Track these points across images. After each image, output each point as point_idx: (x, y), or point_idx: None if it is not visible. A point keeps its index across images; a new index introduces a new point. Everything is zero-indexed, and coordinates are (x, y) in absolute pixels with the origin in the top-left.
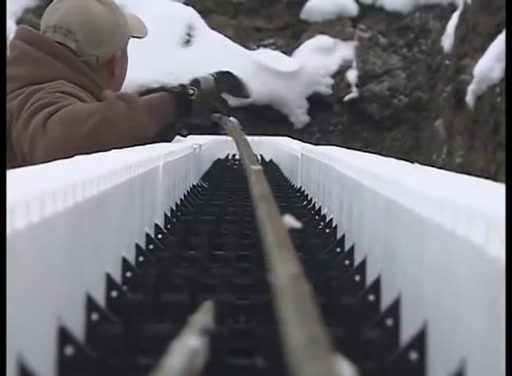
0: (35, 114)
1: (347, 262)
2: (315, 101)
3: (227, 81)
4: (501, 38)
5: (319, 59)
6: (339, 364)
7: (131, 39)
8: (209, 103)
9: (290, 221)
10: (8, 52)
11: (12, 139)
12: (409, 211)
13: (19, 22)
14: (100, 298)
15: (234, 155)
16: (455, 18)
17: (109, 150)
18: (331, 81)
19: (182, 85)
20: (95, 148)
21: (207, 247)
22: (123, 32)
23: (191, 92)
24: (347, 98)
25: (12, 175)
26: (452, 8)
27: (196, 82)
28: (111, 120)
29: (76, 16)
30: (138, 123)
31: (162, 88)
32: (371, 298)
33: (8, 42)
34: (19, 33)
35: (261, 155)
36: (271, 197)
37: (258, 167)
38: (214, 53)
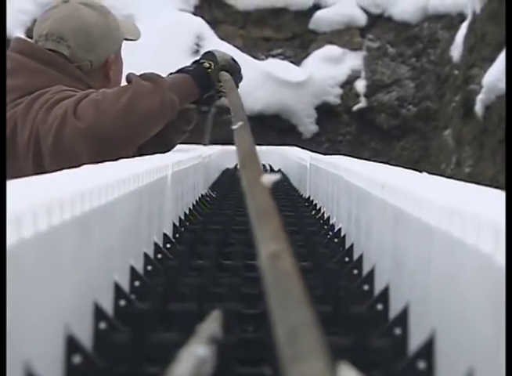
0: (53, 107)
1: (355, 272)
2: (324, 111)
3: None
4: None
5: (328, 69)
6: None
7: (139, 46)
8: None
9: (269, 179)
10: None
11: (17, 147)
12: (417, 219)
13: (28, 32)
14: (108, 306)
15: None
16: (463, 28)
17: (141, 132)
18: (340, 90)
19: (196, 62)
20: (128, 129)
21: (215, 256)
22: (115, 35)
23: (207, 65)
24: (355, 108)
25: (20, 184)
26: (461, 18)
27: (212, 56)
28: (139, 98)
29: (66, 22)
30: (165, 98)
31: (179, 70)
32: (379, 307)
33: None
34: (14, 44)
35: (269, 165)
36: (253, 161)
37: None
38: None
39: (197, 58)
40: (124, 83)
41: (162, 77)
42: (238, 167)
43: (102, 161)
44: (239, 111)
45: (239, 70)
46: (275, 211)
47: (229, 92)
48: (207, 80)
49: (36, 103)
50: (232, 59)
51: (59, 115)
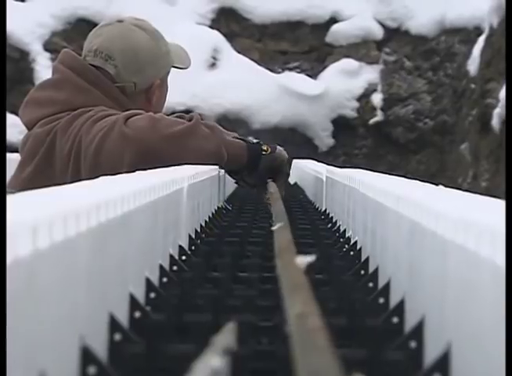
0: (98, 121)
1: (371, 285)
2: (340, 124)
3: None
4: None
5: (344, 82)
6: None
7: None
8: (272, 169)
9: (303, 261)
10: (52, 74)
11: (55, 159)
12: (433, 232)
13: (46, 45)
14: (123, 318)
15: None
16: (481, 42)
17: (180, 163)
18: (356, 104)
19: (258, 142)
20: (170, 155)
21: (230, 268)
22: (164, 61)
23: (265, 148)
24: (372, 121)
25: (36, 195)
26: (478, 31)
27: (272, 147)
28: (193, 136)
29: (117, 42)
30: (215, 148)
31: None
32: (395, 320)
33: (52, 65)
34: (64, 57)
35: None
36: (289, 249)
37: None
38: (240, 76)
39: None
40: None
41: (221, 129)
42: (275, 254)
43: None
44: (280, 216)
45: (288, 174)
46: (307, 285)
47: (274, 203)
48: (257, 157)
49: (80, 118)
50: (288, 161)
51: (104, 126)
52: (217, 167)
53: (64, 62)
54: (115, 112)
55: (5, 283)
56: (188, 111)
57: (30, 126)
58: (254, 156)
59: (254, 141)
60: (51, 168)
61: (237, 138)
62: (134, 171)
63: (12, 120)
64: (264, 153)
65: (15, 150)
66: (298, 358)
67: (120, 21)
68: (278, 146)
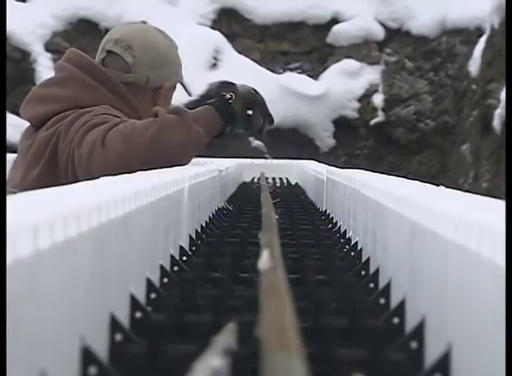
0: (88, 133)
1: (371, 285)
2: (341, 125)
3: (261, 99)
4: None
5: (345, 82)
6: None
7: None
8: (245, 109)
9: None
10: (55, 73)
11: (58, 161)
12: (434, 233)
13: (47, 45)
14: (124, 318)
15: (259, 179)
16: (482, 42)
17: (168, 165)
18: (357, 104)
19: (219, 94)
20: (154, 160)
21: (231, 268)
22: (177, 70)
23: (228, 96)
24: (373, 122)
25: (38, 195)
26: (479, 32)
27: (232, 86)
28: (167, 131)
29: (138, 35)
30: (190, 131)
31: (198, 102)
32: (395, 320)
33: (55, 64)
34: (69, 56)
35: (286, 178)
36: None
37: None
38: (241, 77)
39: (216, 86)
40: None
41: (186, 110)
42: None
43: None
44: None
45: (263, 101)
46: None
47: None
48: (229, 110)
49: (77, 122)
50: (253, 90)
51: (90, 142)
52: (217, 167)
53: (70, 60)
54: (111, 117)
55: (5, 283)
56: (200, 102)
57: (34, 123)
58: (226, 112)
59: (215, 98)
60: (56, 169)
61: (191, 108)
62: None
63: (12, 120)
64: (230, 101)
65: (15, 151)
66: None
67: (144, 22)
68: (236, 84)
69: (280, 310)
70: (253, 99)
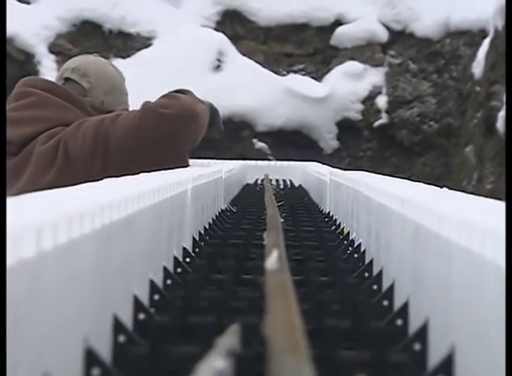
0: (117, 117)
1: (375, 287)
2: (345, 127)
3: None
4: None
5: (349, 84)
6: None
7: (161, 61)
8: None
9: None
10: (19, 98)
11: (71, 160)
12: (437, 235)
13: (51, 47)
14: (127, 320)
15: (263, 180)
16: (485, 44)
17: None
18: (361, 106)
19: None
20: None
21: (234, 270)
22: (126, 97)
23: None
24: (376, 124)
25: (41, 197)
26: (483, 34)
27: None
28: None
29: (93, 65)
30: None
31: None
32: (399, 322)
33: (16, 90)
34: (39, 83)
35: (290, 180)
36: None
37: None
38: (244, 79)
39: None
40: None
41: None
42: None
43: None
44: (273, 233)
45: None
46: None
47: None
48: (216, 114)
49: (86, 123)
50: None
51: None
52: (220, 168)
53: (37, 86)
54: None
55: (5, 283)
56: None
57: (18, 142)
58: (213, 114)
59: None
60: (71, 170)
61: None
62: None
63: None
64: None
65: None
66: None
67: (96, 55)
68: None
69: (287, 312)
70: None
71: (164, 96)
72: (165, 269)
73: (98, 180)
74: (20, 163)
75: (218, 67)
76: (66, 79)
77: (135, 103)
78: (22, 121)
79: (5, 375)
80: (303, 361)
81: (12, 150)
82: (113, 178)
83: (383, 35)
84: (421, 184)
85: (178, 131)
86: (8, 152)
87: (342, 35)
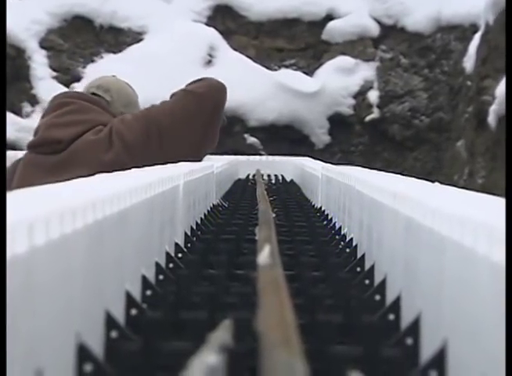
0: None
1: (367, 282)
2: (336, 121)
3: None
4: None
5: (341, 79)
6: None
7: (153, 56)
8: None
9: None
10: (60, 107)
11: (128, 144)
12: (429, 229)
13: (42, 42)
14: (120, 315)
15: (254, 175)
16: (476, 39)
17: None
18: (352, 101)
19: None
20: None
21: (226, 265)
22: (138, 109)
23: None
24: (368, 118)
25: (33, 193)
26: (474, 29)
27: None
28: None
29: (114, 84)
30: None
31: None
32: (391, 317)
33: (56, 101)
34: (68, 95)
35: (281, 175)
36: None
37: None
38: (236, 74)
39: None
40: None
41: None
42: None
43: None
44: (265, 228)
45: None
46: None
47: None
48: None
49: (128, 115)
50: None
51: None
52: (212, 163)
53: (73, 97)
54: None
55: (5, 281)
56: None
57: (71, 140)
58: None
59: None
60: (129, 153)
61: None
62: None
63: (8, 118)
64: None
65: (12, 148)
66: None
67: (114, 76)
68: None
69: (279, 307)
70: None
71: (190, 84)
72: (157, 265)
73: (155, 161)
74: (67, 157)
75: (209, 62)
76: (93, 94)
77: None
78: (67, 124)
79: (5, 374)
80: (295, 356)
81: (61, 147)
82: (104, 174)
83: (374, 30)
84: (413, 179)
85: (214, 103)
86: (55, 149)
87: (333, 30)
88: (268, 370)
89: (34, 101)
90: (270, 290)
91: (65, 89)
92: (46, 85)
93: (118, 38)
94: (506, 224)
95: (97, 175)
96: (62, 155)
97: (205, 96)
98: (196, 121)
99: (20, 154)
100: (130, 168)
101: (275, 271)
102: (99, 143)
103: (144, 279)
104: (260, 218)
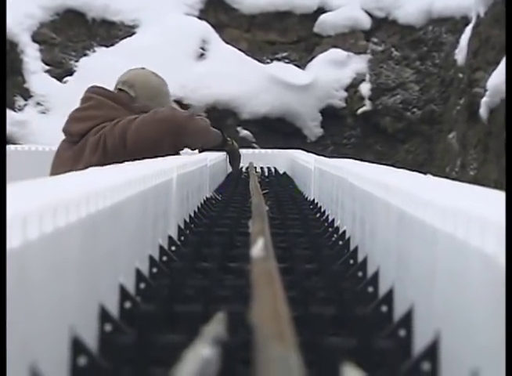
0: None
1: (360, 274)
2: (329, 114)
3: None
4: None
5: (333, 72)
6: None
7: (145, 50)
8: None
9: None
10: (84, 102)
11: (108, 150)
12: (422, 221)
13: (34, 36)
14: (113, 308)
15: (248, 168)
16: (468, 31)
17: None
18: (344, 94)
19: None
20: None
21: (220, 258)
22: (167, 100)
23: (228, 139)
24: (360, 111)
25: (26, 186)
26: (465, 21)
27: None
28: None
29: (139, 78)
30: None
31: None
32: (384, 308)
33: (83, 96)
34: (94, 91)
35: (274, 168)
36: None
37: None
38: (228, 67)
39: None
40: None
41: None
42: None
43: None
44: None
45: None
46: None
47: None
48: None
49: (120, 123)
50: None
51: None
52: (205, 156)
53: (96, 93)
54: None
55: (4, 279)
56: (176, 101)
57: (81, 133)
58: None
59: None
60: (107, 158)
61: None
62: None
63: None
64: (228, 142)
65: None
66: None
67: (142, 68)
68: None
69: (273, 299)
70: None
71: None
72: (151, 258)
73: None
74: (79, 149)
75: (201, 55)
76: (120, 89)
77: None
78: (82, 118)
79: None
80: (289, 348)
81: (75, 140)
82: (98, 168)
83: (366, 22)
84: (405, 171)
85: (160, 133)
86: (73, 141)
87: (325, 23)
88: (262, 363)
89: (26, 95)
90: (264, 282)
91: (58, 83)
92: (39, 79)
93: (110, 32)
94: (506, 219)
95: (90, 168)
96: (75, 148)
97: (155, 123)
98: (149, 143)
99: (13, 148)
100: None
101: (269, 263)
102: (91, 144)
103: (138, 272)
104: (253, 211)
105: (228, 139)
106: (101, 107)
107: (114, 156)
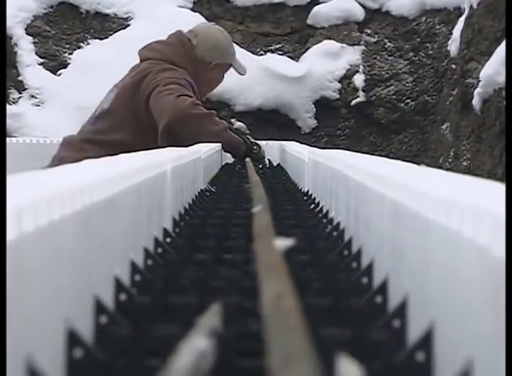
0: (162, 91)
1: (354, 265)
2: (322, 105)
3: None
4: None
5: (326, 63)
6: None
7: (139, 42)
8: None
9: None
10: (167, 39)
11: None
12: (415, 212)
13: (28, 29)
14: (109, 300)
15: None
16: (461, 22)
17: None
18: (338, 85)
19: (253, 142)
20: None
21: (215, 250)
22: (228, 55)
23: (255, 148)
24: (354, 102)
25: (20, 178)
26: (458, 12)
27: (259, 147)
28: (206, 122)
29: (204, 30)
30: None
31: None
32: (378, 299)
33: (170, 34)
34: (177, 34)
35: (268, 159)
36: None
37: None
38: None
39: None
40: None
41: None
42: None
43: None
44: (260, 199)
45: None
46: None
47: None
48: (248, 152)
49: (163, 73)
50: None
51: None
52: (200, 149)
53: (175, 36)
54: (185, 84)
55: (4, 277)
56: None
57: (142, 58)
58: (243, 152)
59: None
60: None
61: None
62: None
63: None
64: (255, 152)
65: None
66: (272, 339)
67: (214, 24)
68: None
69: (282, 290)
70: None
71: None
72: (146, 250)
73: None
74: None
75: None
76: (188, 39)
77: (113, 83)
78: (153, 49)
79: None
80: (299, 339)
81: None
82: (92, 160)
83: (359, 14)
84: (399, 162)
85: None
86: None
87: (319, 14)
88: (272, 354)
89: (21, 88)
90: (270, 273)
91: (52, 76)
92: (33, 72)
93: (104, 24)
94: (506, 213)
95: (84, 161)
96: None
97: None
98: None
99: (8, 141)
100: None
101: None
102: (131, 81)
103: (133, 264)
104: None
105: (255, 147)
106: (169, 47)
107: (139, 102)
